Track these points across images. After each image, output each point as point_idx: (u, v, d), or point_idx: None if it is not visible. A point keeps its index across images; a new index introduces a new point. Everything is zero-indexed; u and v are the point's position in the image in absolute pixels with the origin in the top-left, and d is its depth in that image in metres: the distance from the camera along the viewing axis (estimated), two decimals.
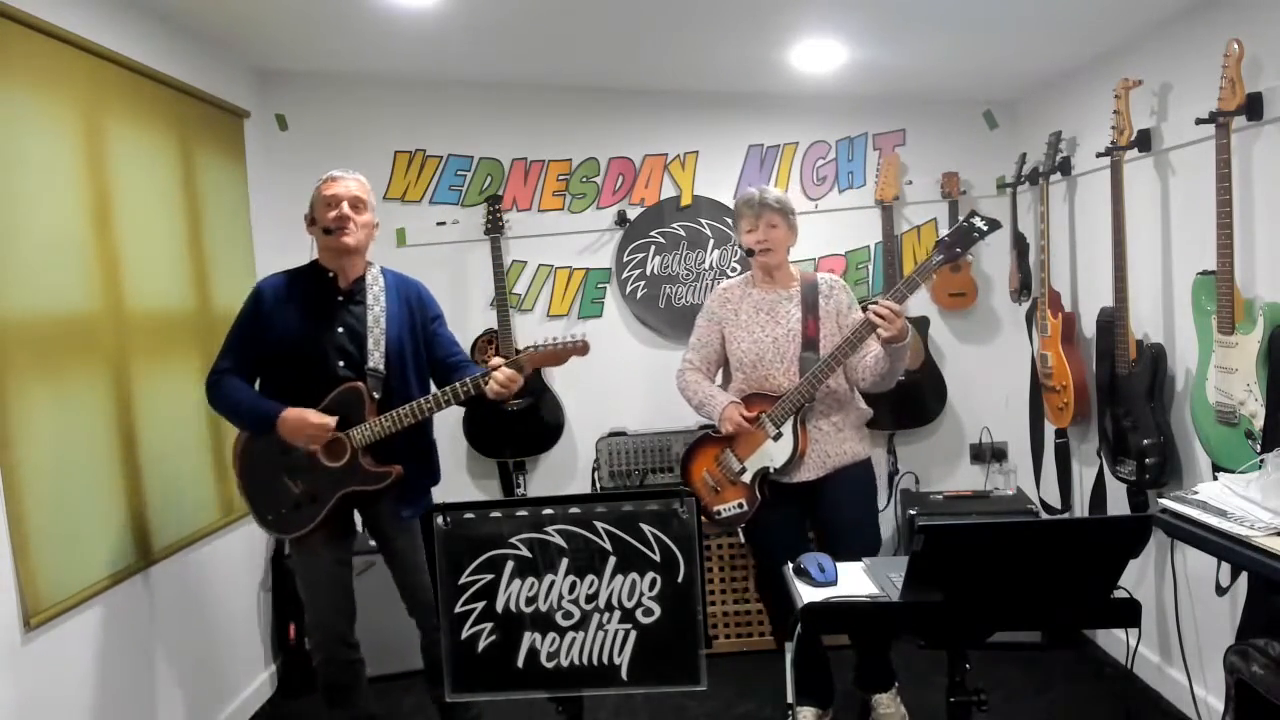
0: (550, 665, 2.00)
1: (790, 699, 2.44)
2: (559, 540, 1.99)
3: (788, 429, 2.85)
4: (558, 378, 4.10)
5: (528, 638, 2.00)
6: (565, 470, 4.22)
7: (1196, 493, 2.11)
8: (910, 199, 4.11)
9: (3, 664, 2.30)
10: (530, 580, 1.99)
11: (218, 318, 3.44)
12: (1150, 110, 2.96)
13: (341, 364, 2.66)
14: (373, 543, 2.87)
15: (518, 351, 2.74)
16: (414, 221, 4.13)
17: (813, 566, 2.16)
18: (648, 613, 1.98)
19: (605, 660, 1.99)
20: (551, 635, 1.99)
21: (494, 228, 4.01)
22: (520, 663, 2.00)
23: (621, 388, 4.14)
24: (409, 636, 2.86)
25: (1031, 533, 2.01)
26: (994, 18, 3.02)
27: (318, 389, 2.62)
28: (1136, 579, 3.19)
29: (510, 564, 1.99)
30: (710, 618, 3.59)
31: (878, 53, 3.50)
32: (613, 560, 1.98)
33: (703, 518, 2.02)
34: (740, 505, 2.93)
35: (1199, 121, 2.49)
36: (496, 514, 2.00)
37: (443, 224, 4.14)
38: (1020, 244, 3.84)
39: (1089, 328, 3.36)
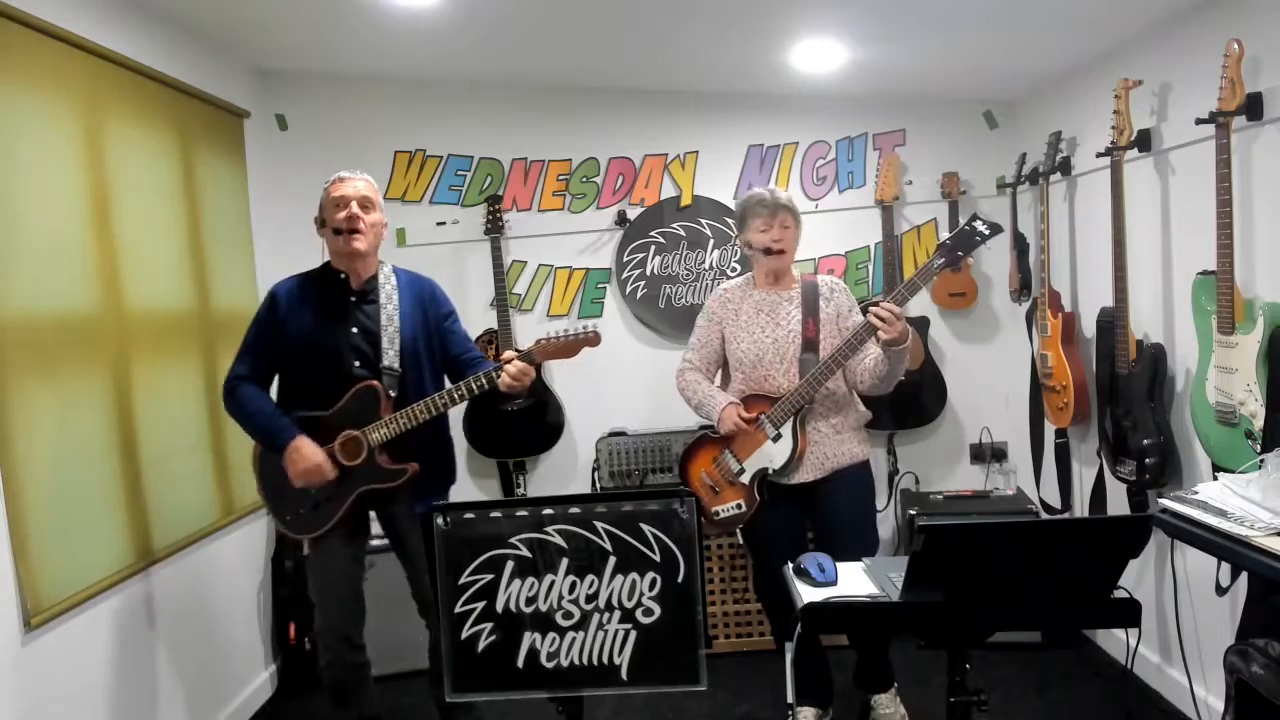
0: (550, 665, 2.00)
1: (790, 699, 2.44)
2: (559, 540, 1.98)
3: (787, 430, 2.85)
4: (558, 377, 4.10)
5: (528, 638, 1.99)
6: (565, 470, 4.22)
7: (1196, 493, 2.12)
8: (910, 199, 4.11)
9: (3, 664, 2.30)
10: (530, 580, 1.99)
11: (218, 317, 3.44)
12: (1150, 110, 2.96)
13: (357, 363, 2.67)
14: (374, 543, 2.87)
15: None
16: (414, 221, 4.13)
17: (813, 566, 2.16)
18: (648, 613, 1.98)
19: (605, 660, 1.99)
20: (551, 635, 1.99)
21: (494, 228, 4.01)
22: (520, 663, 2.00)
23: (621, 388, 4.15)
24: (408, 637, 2.86)
25: (1032, 533, 2.02)
26: (994, 18, 3.02)
27: (334, 389, 2.64)
28: (1136, 579, 3.19)
29: (510, 564, 1.99)
30: (710, 618, 3.59)
31: (878, 53, 3.50)
32: (613, 560, 1.98)
33: (701, 519, 2.02)
34: (739, 506, 2.93)
35: (1199, 121, 2.49)
36: (496, 514, 2.00)
37: (443, 224, 4.14)
38: (1020, 244, 3.84)
39: (1089, 328, 3.36)
